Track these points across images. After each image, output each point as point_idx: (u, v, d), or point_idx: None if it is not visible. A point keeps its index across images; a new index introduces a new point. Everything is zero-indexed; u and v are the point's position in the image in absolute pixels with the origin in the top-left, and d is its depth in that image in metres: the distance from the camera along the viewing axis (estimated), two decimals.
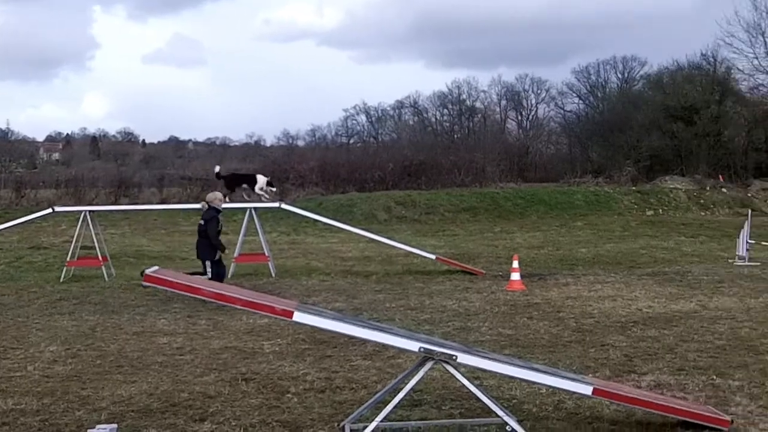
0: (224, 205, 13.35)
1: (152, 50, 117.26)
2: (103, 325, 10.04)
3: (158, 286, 4.63)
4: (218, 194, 12.80)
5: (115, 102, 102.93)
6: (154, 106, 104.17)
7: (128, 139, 74.02)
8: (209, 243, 12.09)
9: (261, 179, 15.48)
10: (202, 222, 12.26)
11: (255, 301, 4.58)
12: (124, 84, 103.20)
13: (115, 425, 5.52)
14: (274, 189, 14.76)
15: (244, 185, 15.67)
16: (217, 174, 16.48)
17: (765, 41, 41.46)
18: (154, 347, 8.67)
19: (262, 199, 15.57)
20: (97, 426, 5.51)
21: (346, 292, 12.79)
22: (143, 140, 74.37)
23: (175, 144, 72.25)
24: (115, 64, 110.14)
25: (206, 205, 12.49)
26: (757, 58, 41.62)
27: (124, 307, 11.48)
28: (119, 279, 14.61)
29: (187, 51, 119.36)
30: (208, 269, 12.03)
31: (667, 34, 78.49)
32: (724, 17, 72.39)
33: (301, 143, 59.38)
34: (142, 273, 4.71)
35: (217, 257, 12.19)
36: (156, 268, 4.83)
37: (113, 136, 74.81)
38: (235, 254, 15.19)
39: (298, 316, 4.65)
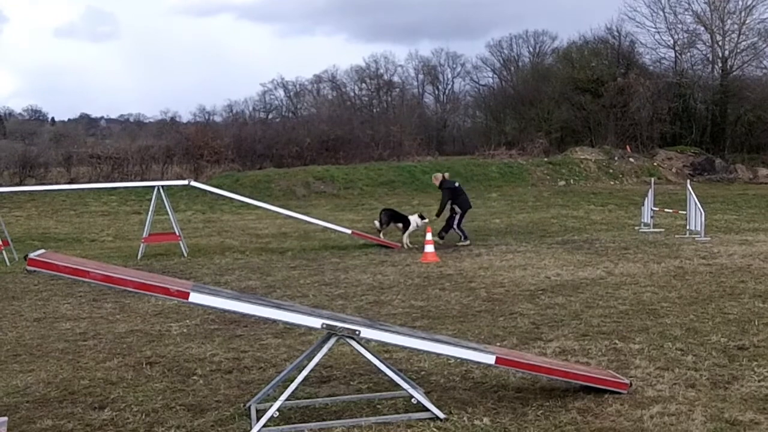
0: (133, 184, 13.09)
1: (65, 24, 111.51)
2: (2, 312, 9.61)
3: (43, 271, 4.39)
4: None
5: (23, 79, 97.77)
6: (64, 82, 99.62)
7: (36, 117, 70.93)
8: None
9: (413, 218, 15.75)
10: None
11: (147, 282, 4.39)
12: (33, 60, 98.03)
13: (5, 418, 5.22)
14: (426, 220, 15.38)
15: (399, 224, 15.80)
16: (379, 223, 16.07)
17: (665, 16, 42.79)
18: (56, 333, 8.35)
19: (417, 225, 15.58)
20: None
21: (261, 270, 12.61)
22: (52, 118, 71.45)
23: (87, 121, 69.67)
24: (23, 39, 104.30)
25: None
26: (658, 32, 42.98)
27: (25, 292, 11.02)
28: (22, 263, 13.98)
29: (101, 25, 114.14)
30: None
31: (575, 8, 79.77)
32: None
33: (218, 119, 57.94)
34: (25, 257, 4.46)
35: None
36: (42, 251, 4.60)
37: (19, 114, 71.54)
38: (145, 234, 14.78)
39: (195, 297, 4.49)
